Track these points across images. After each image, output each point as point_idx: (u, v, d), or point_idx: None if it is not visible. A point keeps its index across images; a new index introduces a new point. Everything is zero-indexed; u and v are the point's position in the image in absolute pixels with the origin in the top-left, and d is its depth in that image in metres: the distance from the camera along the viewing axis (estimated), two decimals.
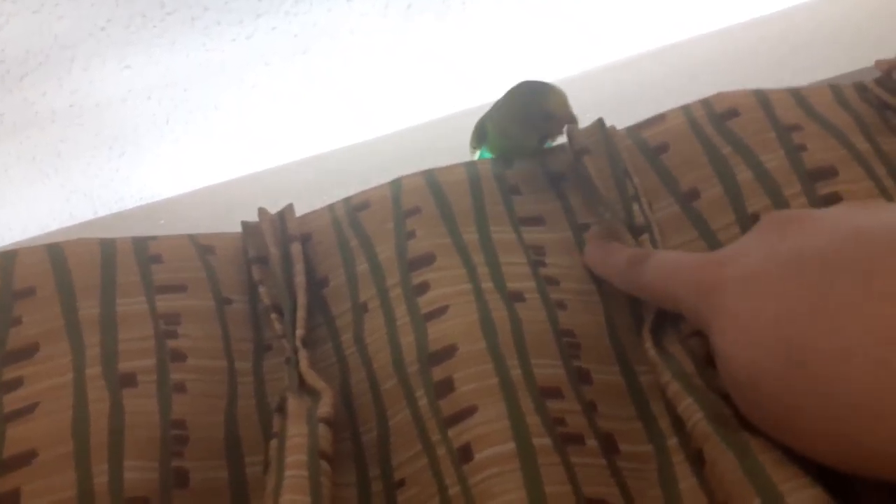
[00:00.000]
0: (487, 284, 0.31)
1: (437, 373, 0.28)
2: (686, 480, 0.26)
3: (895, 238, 0.19)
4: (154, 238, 0.34)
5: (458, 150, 0.63)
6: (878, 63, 0.34)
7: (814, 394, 0.20)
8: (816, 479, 0.22)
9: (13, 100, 0.60)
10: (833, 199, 0.30)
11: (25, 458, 0.26)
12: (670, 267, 0.26)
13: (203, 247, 0.34)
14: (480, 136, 0.40)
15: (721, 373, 0.24)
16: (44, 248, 0.32)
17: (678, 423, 0.27)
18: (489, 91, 0.68)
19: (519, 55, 0.68)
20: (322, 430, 0.27)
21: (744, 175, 0.31)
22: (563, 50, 0.68)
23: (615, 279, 0.30)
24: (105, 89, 0.61)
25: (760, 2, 0.66)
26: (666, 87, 0.59)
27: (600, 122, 0.35)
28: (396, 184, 0.35)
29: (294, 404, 0.28)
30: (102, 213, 0.71)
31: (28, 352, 0.29)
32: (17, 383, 0.28)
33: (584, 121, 0.36)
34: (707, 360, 0.28)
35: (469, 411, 0.27)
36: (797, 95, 0.34)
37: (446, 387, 0.28)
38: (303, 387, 0.30)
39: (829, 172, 0.30)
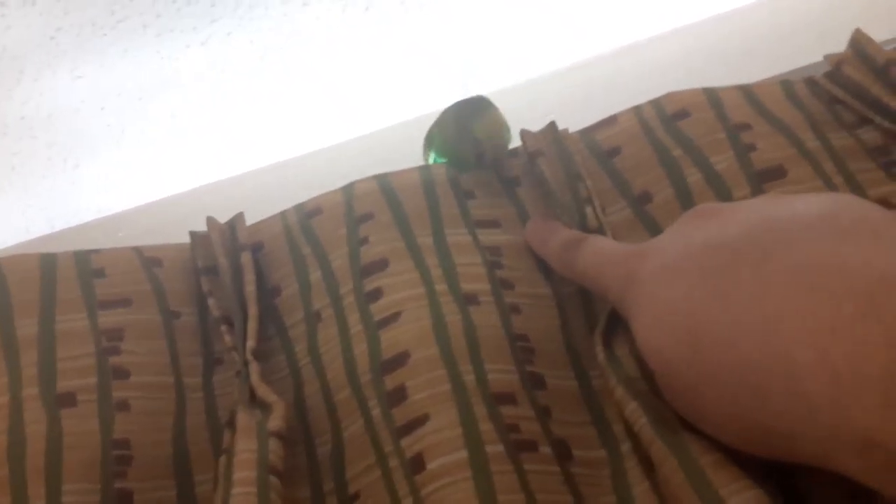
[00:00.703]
0: (441, 286, 0.30)
1: (390, 381, 0.28)
2: (639, 485, 0.25)
3: (796, 224, 0.20)
4: (97, 251, 0.33)
5: (414, 157, 0.63)
6: (828, 57, 0.34)
7: (712, 376, 0.20)
8: (759, 481, 0.22)
9: None
10: None
11: None
12: (600, 256, 0.27)
13: (149, 259, 0.33)
14: (429, 143, 0.40)
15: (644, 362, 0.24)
16: None
17: (630, 429, 0.27)
18: (445, 96, 0.68)
19: (473, 59, 0.68)
20: (273, 444, 0.27)
21: (694, 177, 0.31)
22: (518, 54, 0.68)
23: (552, 260, 0.30)
24: (57, 100, 0.60)
25: (710, 2, 0.66)
26: (619, 89, 0.59)
27: (552, 125, 0.35)
28: (349, 189, 0.34)
29: (244, 418, 0.28)
30: (60, 226, 0.69)
31: None
32: None
33: (540, 123, 0.36)
34: None
35: (421, 420, 0.26)
36: (748, 93, 0.34)
37: (399, 395, 0.27)
38: (254, 400, 0.29)
39: (777, 173, 0.30)
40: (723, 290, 0.20)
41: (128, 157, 0.65)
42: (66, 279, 0.31)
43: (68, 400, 0.27)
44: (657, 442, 0.23)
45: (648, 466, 0.26)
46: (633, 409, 0.25)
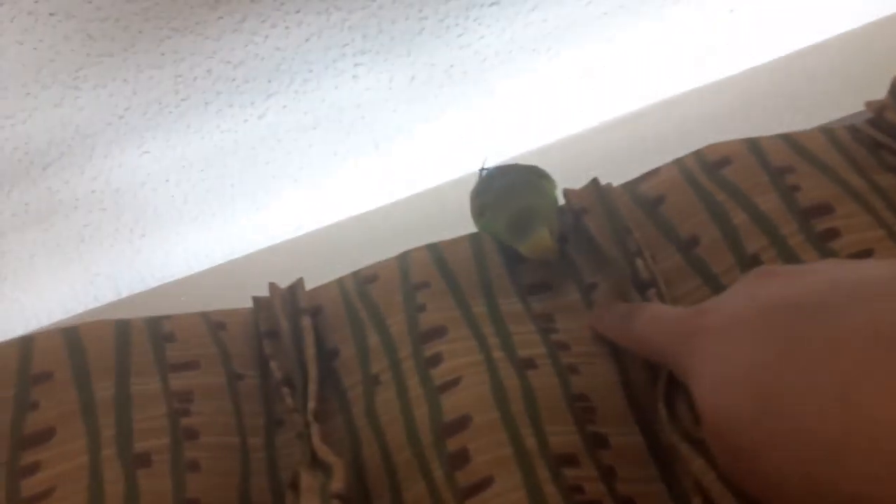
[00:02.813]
0: (499, 353, 0.31)
1: (452, 444, 0.28)
2: None
3: (865, 284, 0.20)
4: (168, 317, 0.35)
5: (461, 215, 0.64)
6: (868, 104, 0.35)
7: (780, 437, 0.20)
8: None
9: (37, 190, 0.62)
10: (831, 235, 0.30)
11: None
12: (657, 319, 0.27)
13: (215, 323, 0.35)
14: (481, 221, 0.39)
15: (701, 422, 0.24)
16: (60, 331, 0.33)
17: (700, 484, 0.27)
18: (492, 156, 0.70)
19: (518, 120, 0.69)
20: None
21: (740, 218, 0.32)
22: (555, 114, 0.70)
23: (613, 334, 0.30)
24: (125, 174, 0.63)
25: (746, 56, 0.67)
26: (657, 145, 0.60)
27: (595, 181, 0.36)
28: (403, 258, 0.35)
29: (307, 479, 0.28)
30: (125, 293, 0.72)
31: (44, 436, 0.29)
32: (34, 468, 0.28)
33: (580, 181, 0.37)
34: None
35: (486, 482, 0.27)
36: (789, 140, 0.34)
37: (462, 458, 0.28)
38: (315, 461, 0.30)
39: (825, 209, 0.30)
40: (792, 349, 0.20)
41: (190, 226, 0.68)
42: (140, 343, 0.33)
43: (144, 460, 0.28)
44: (728, 497, 0.23)
45: None
46: (699, 465, 0.25)
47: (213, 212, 0.67)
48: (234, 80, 0.58)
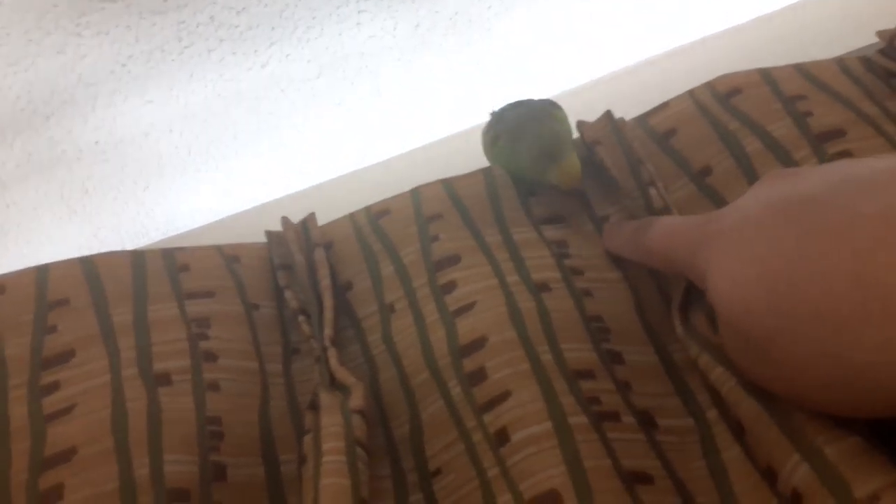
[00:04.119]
0: (513, 278, 0.31)
1: (469, 363, 0.29)
2: (729, 450, 0.26)
3: (878, 174, 0.20)
4: (181, 249, 0.35)
5: (472, 167, 0.64)
6: (880, 33, 0.35)
7: (798, 319, 0.20)
8: (853, 430, 0.22)
9: (40, 140, 0.62)
10: (844, 156, 0.30)
11: (66, 455, 0.26)
12: (670, 228, 0.27)
13: (229, 256, 0.35)
14: (493, 151, 0.39)
15: (718, 322, 0.24)
16: (77, 260, 0.33)
17: (716, 396, 0.27)
18: (499, 105, 0.69)
19: (526, 70, 0.69)
20: (356, 420, 0.28)
21: (753, 146, 0.32)
22: (568, 61, 0.69)
23: (625, 251, 0.30)
24: (127, 125, 0.63)
25: (758, 2, 0.67)
26: (665, 94, 0.60)
27: (608, 114, 0.36)
28: (415, 192, 0.36)
29: (327, 398, 0.29)
30: (129, 246, 0.72)
31: (64, 357, 0.30)
32: (54, 387, 0.29)
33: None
34: None
35: (503, 396, 0.27)
36: (802, 69, 0.34)
37: (479, 375, 0.28)
38: (333, 383, 0.30)
39: (837, 133, 0.31)
40: (806, 237, 0.20)
41: (193, 178, 0.68)
42: (155, 272, 0.33)
43: (164, 379, 0.29)
44: (747, 400, 0.23)
45: (738, 432, 0.26)
46: (719, 373, 0.25)
47: (217, 163, 0.67)
48: (237, 26, 0.58)
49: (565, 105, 0.65)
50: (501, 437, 0.26)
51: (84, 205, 0.67)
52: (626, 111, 0.61)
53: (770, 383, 0.22)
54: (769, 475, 0.24)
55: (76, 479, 0.26)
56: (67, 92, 0.58)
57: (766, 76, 0.34)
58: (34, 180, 0.63)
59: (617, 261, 0.33)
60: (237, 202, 0.71)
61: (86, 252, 0.71)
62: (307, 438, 0.28)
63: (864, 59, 0.35)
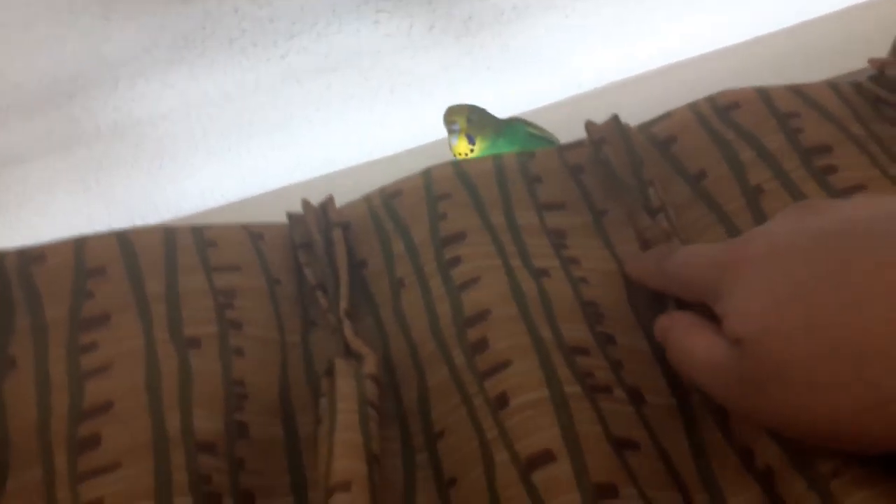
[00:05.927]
0: (515, 261, 0.34)
1: (472, 334, 0.31)
2: (711, 433, 0.28)
3: None
4: (209, 226, 0.37)
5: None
6: (871, 61, 0.37)
7: (834, 346, 0.22)
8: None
9: (61, 117, 0.64)
10: (829, 170, 0.33)
11: (104, 409, 0.29)
12: (693, 254, 0.28)
13: (254, 234, 0.37)
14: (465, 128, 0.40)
15: (732, 349, 0.25)
16: (112, 232, 0.35)
17: None
18: (505, 106, 0.72)
19: (531, 75, 0.71)
20: (369, 384, 0.30)
21: (746, 154, 0.34)
22: (575, 69, 0.72)
23: (646, 278, 0.32)
24: (147, 107, 0.65)
25: (761, 22, 0.69)
26: (670, 105, 0.62)
27: (615, 117, 0.38)
28: (427, 173, 0.38)
29: (342, 365, 0.31)
30: (139, 222, 0.74)
31: (101, 320, 0.32)
32: (92, 346, 0.31)
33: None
34: None
35: (504, 364, 0.29)
36: (796, 90, 0.37)
37: (481, 345, 0.30)
38: (349, 352, 0.33)
39: (824, 149, 0.33)
40: (842, 270, 0.22)
41: (206, 161, 0.70)
42: (185, 247, 0.35)
43: (194, 343, 0.31)
44: None
45: (721, 417, 0.28)
46: None
47: (230, 147, 0.69)
48: (259, 19, 0.60)
49: (568, 111, 0.68)
50: (501, 401, 0.28)
51: (99, 181, 0.69)
52: (628, 121, 0.64)
53: (775, 416, 0.24)
54: (746, 455, 0.26)
55: (112, 429, 0.28)
56: (91, 73, 0.60)
57: (763, 94, 0.37)
58: (52, 156, 0.65)
59: (613, 252, 0.35)
60: (248, 187, 0.73)
61: (97, 227, 0.73)
62: (323, 401, 0.31)
63: (856, 84, 0.38)
